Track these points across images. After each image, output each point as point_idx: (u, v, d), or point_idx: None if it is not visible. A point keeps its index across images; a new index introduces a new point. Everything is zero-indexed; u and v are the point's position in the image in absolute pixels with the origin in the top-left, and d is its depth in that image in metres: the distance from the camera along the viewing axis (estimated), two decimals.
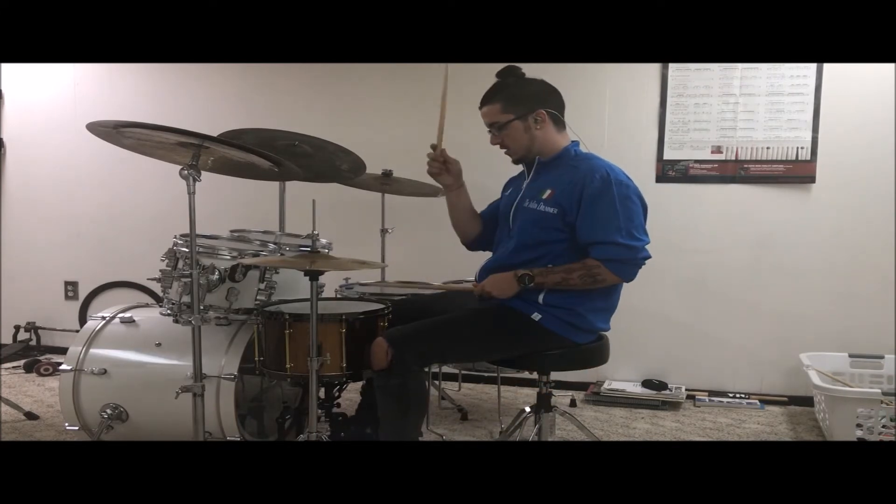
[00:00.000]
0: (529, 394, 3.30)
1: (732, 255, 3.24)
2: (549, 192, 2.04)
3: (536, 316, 2.00)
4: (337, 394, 2.34)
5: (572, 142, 2.14)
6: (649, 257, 1.97)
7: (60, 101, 3.88)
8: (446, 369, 3.36)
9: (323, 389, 2.24)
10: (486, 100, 2.09)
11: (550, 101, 2.09)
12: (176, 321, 2.15)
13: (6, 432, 2.65)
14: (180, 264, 2.17)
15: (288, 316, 1.97)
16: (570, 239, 2.01)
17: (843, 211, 3.12)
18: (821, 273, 3.16)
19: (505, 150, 2.14)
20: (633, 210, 1.96)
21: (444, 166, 2.20)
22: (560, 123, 2.11)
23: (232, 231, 2.47)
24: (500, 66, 2.09)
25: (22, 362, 3.64)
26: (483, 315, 2.05)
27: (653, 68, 3.25)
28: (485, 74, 2.11)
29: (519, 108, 2.06)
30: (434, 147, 2.17)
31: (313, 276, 1.82)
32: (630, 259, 1.94)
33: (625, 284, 2.06)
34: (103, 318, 2.40)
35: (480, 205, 2.31)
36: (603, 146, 3.26)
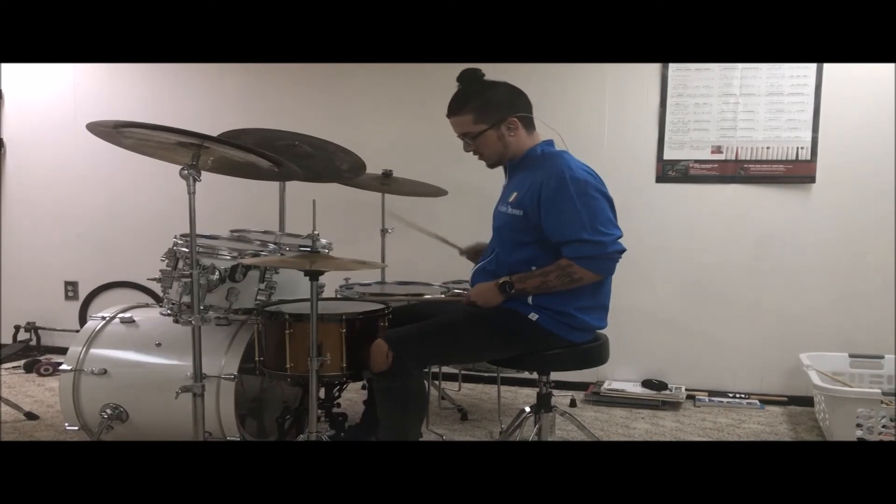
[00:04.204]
0: (529, 394, 3.30)
1: (732, 255, 3.24)
2: (514, 194, 2.03)
3: (534, 316, 2.00)
4: (337, 394, 2.35)
5: (543, 141, 2.10)
6: (623, 250, 1.95)
7: (60, 101, 3.88)
8: (446, 369, 3.36)
9: (323, 389, 2.25)
10: (456, 110, 2.04)
11: (519, 106, 2.05)
12: (176, 321, 2.15)
13: (6, 432, 2.65)
14: (180, 264, 2.17)
15: (288, 316, 1.98)
16: (542, 240, 1.98)
17: (843, 211, 3.12)
18: (821, 273, 3.16)
19: (479, 157, 2.11)
20: (594, 205, 1.93)
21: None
22: (530, 125, 2.08)
23: (232, 231, 2.47)
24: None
25: (22, 362, 3.64)
26: (482, 316, 2.05)
27: (653, 68, 3.25)
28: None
29: (491, 118, 2.02)
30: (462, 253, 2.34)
31: (313, 276, 1.82)
32: (600, 254, 1.92)
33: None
34: (103, 318, 2.40)
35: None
36: (603, 146, 3.27)
